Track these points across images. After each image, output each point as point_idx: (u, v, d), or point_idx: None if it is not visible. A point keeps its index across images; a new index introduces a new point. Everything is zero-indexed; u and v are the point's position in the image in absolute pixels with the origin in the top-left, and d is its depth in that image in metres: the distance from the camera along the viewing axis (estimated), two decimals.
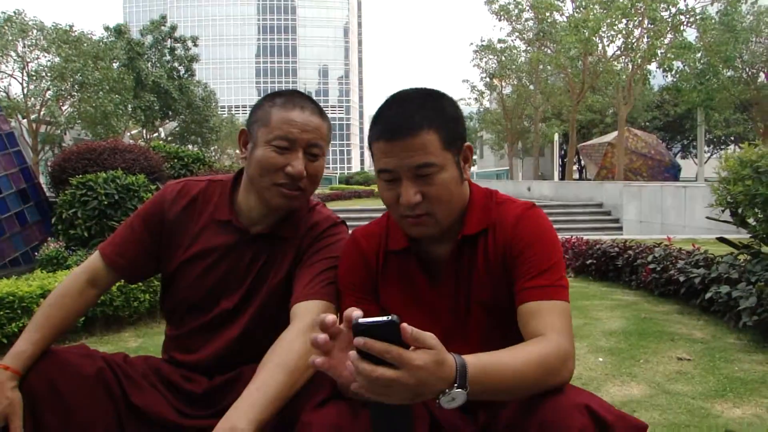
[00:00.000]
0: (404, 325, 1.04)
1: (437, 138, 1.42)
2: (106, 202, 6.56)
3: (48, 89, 26.73)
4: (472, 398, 1.11)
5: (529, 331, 1.36)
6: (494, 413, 1.45)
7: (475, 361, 1.14)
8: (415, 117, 1.41)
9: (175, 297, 1.82)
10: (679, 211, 15.05)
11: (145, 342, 4.50)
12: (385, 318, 1.04)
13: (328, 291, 1.63)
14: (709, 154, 41.08)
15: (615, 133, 29.42)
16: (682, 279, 5.39)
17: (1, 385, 1.51)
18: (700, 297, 5.13)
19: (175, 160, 9.78)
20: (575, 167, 39.93)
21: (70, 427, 1.53)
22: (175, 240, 1.81)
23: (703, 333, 4.59)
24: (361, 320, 1.05)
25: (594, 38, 25.79)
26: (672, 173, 28.60)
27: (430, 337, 1.07)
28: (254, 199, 1.74)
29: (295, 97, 1.72)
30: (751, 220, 5.05)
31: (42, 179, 10.45)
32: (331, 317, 1.15)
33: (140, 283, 4.89)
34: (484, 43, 38.40)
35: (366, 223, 1.73)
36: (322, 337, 1.13)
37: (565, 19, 28.34)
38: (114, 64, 30.52)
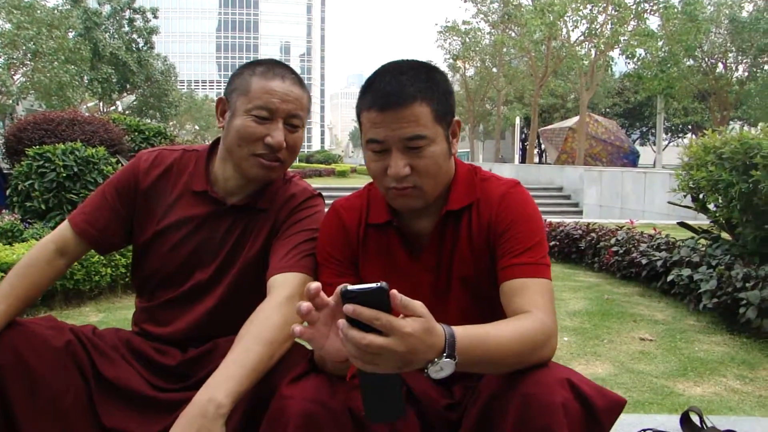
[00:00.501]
0: (394, 291, 1.03)
1: (429, 110, 1.40)
2: (64, 175, 6.34)
3: None
4: (458, 369, 1.11)
5: (513, 308, 1.36)
6: (470, 387, 1.47)
7: (462, 332, 1.13)
8: (409, 88, 1.38)
9: (147, 268, 1.77)
10: (638, 197, 15.36)
11: (106, 317, 4.40)
12: (374, 285, 1.02)
13: (305, 263, 1.60)
14: (666, 142, 41.97)
15: (576, 118, 29.81)
16: (644, 262, 5.51)
17: None
18: (662, 279, 5.25)
19: (136, 134, 9.52)
20: (536, 151, 40.38)
21: (38, 399, 1.48)
22: (149, 210, 1.76)
23: (664, 315, 4.70)
24: (350, 287, 1.03)
25: (559, 23, 25.99)
26: (631, 159, 29.16)
27: (419, 305, 1.06)
28: (231, 170, 1.71)
29: (275, 67, 1.68)
30: (711, 206, 5.16)
31: None
32: (315, 284, 1.12)
33: (102, 257, 4.77)
34: (448, 24, 38.36)
35: (330, 202, 1.72)
36: (306, 305, 1.11)
37: (531, 3, 28.47)
38: (70, 34, 29.57)
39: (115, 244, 1.80)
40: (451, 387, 1.52)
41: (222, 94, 1.74)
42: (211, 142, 1.81)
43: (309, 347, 1.61)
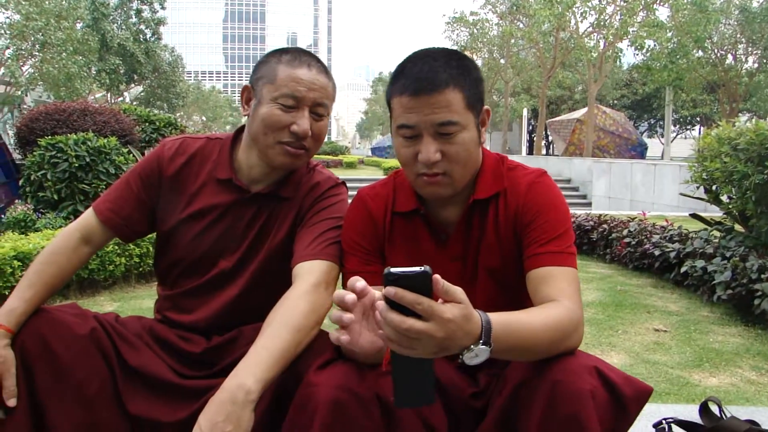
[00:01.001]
0: (437, 276, 1.03)
1: (461, 97, 1.40)
2: (76, 165, 6.38)
3: (7, 48, 25.82)
4: (492, 356, 1.12)
5: (540, 297, 1.36)
6: (495, 375, 1.47)
7: (497, 318, 1.14)
8: (441, 74, 1.39)
9: (171, 257, 1.77)
10: (648, 188, 15.29)
11: (121, 306, 4.43)
12: (418, 268, 1.02)
13: (330, 251, 1.61)
14: (675, 134, 41.77)
15: (584, 110, 29.68)
16: (657, 253, 5.49)
17: None
18: (675, 271, 5.23)
19: (146, 124, 9.54)
20: (543, 143, 40.25)
21: (64, 386, 1.49)
22: (173, 198, 1.76)
23: (677, 306, 4.69)
24: (393, 269, 1.03)
25: (567, 13, 25.83)
26: (638, 151, 29.05)
27: (459, 291, 1.07)
28: (255, 158, 1.71)
29: (302, 55, 1.69)
30: (724, 197, 5.14)
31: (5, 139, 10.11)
32: (361, 283, 1.13)
33: (116, 247, 4.79)
34: (456, 15, 38.18)
35: None
36: (348, 316, 1.12)
37: None
38: (78, 25, 29.55)
39: (140, 231, 1.81)
40: (476, 375, 1.52)
41: (248, 82, 1.74)
42: (235, 130, 1.82)
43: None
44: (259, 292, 1.70)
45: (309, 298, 1.49)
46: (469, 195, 1.52)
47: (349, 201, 1.70)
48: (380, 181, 1.66)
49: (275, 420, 1.40)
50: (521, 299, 1.45)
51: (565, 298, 1.32)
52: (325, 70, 1.70)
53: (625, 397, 1.23)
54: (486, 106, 1.50)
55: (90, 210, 1.77)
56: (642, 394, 1.26)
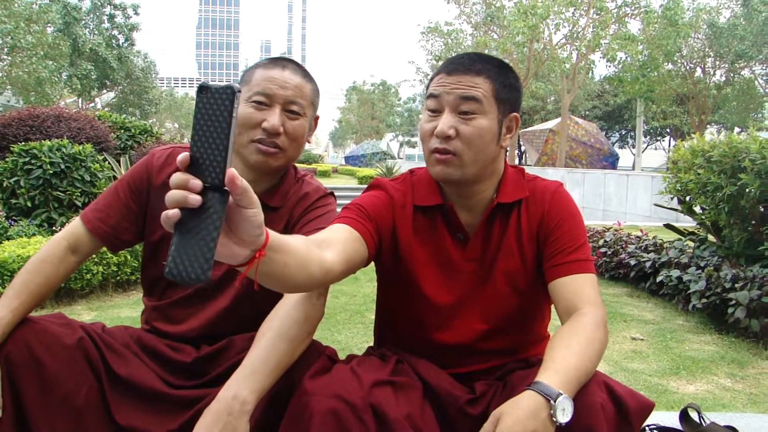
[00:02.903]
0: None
1: (491, 87, 1.47)
2: (51, 172, 6.28)
3: None
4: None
5: (567, 304, 1.43)
6: (493, 384, 1.50)
7: (559, 379, 1.21)
8: (478, 65, 1.48)
9: (160, 267, 1.75)
10: (621, 199, 15.51)
11: (99, 315, 4.37)
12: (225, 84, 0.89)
13: None
14: (645, 145, 42.41)
15: (556, 120, 30.00)
16: (632, 263, 5.57)
17: None
18: (650, 280, 5.32)
19: (122, 131, 9.43)
20: (516, 152, 40.59)
21: (50, 397, 1.47)
22: (162, 207, 1.74)
23: (653, 315, 4.77)
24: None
25: (541, 25, 26.14)
26: (610, 162, 29.44)
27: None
28: (240, 164, 1.71)
29: (281, 59, 1.72)
30: (697, 208, 5.25)
31: None
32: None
33: (93, 256, 4.73)
34: (431, 25, 38.41)
35: None
36: (194, 197, 0.90)
37: (513, 4, 28.60)
38: (49, 29, 29.17)
39: (127, 241, 1.79)
40: (473, 383, 1.54)
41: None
42: None
43: (324, 344, 1.63)
44: (249, 302, 1.69)
45: (301, 307, 1.49)
46: (492, 199, 1.56)
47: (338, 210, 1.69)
48: (395, 177, 1.68)
49: (269, 427, 1.40)
50: (528, 300, 1.53)
51: (591, 305, 1.40)
52: (302, 72, 1.72)
53: (629, 411, 1.26)
54: (517, 114, 1.53)
55: (77, 219, 1.76)
56: (645, 408, 1.30)
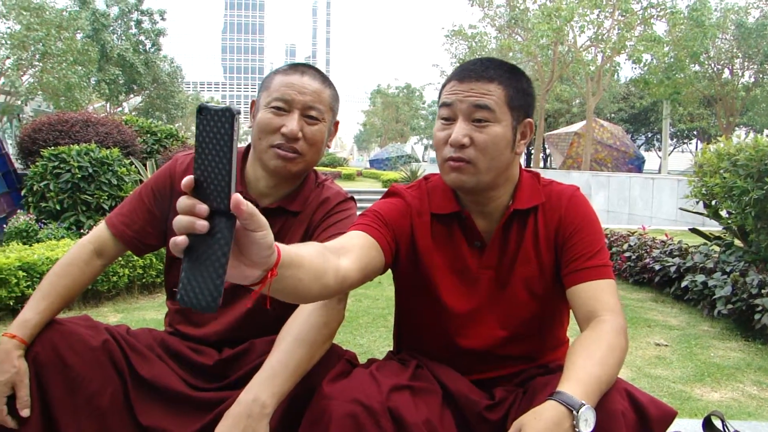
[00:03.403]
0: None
1: (504, 94, 1.46)
2: (79, 176, 6.40)
3: (8, 57, 25.87)
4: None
5: (586, 310, 1.42)
6: (512, 390, 1.50)
7: (582, 390, 1.21)
8: (491, 71, 1.47)
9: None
10: (646, 202, 15.34)
11: (125, 317, 4.43)
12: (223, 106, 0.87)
13: None
14: (672, 148, 41.89)
15: (581, 123, 29.77)
16: (657, 267, 5.52)
17: (8, 354, 1.49)
18: (675, 285, 5.26)
19: (148, 135, 9.56)
20: (541, 156, 40.36)
21: (77, 397, 1.50)
22: None
23: (678, 320, 4.72)
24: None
25: (565, 27, 25.97)
26: (636, 165, 29.12)
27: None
28: (260, 169, 1.74)
29: (300, 65, 1.74)
30: (724, 213, 5.18)
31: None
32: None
33: (119, 258, 4.80)
34: (455, 29, 38.37)
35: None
36: (202, 223, 0.88)
37: (537, 7, 28.45)
38: (78, 35, 29.63)
39: (152, 245, 1.83)
40: (492, 390, 1.54)
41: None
42: (246, 144, 1.84)
43: (346, 347, 1.65)
44: (270, 307, 1.72)
45: (321, 312, 1.51)
46: (508, 206, 1.55)
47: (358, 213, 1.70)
48: (410, 184, 1.67)
49: (289, 431, 1.42)
50: (547, 306, 1.53)
51: (609, 312, 1.39)
52: (321, 78, 1.74)
53: (651, 419, 1.26)
54: (530, 120, 1.53)
55: (102, 223, 1.80)
56: (667, 416, 1.29)
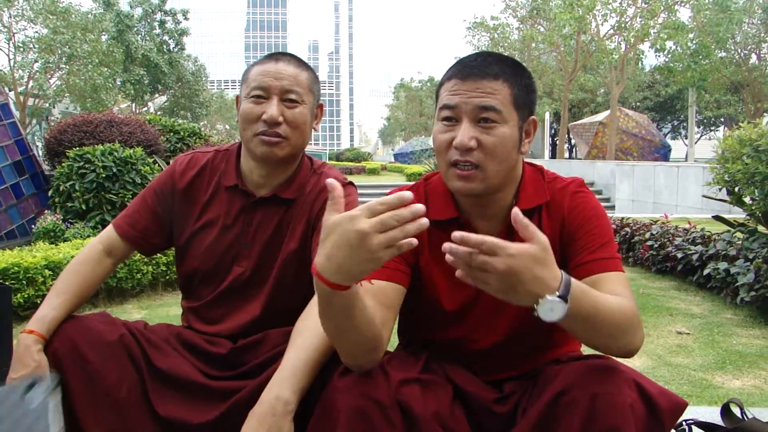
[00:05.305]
0: (515, 210, 1.11)
1: (509, 92, 1.40)
2: (104, 175, 6.52)
3: (36, 61, 26.30)
4: (566, 319, 1.12)
5: None
6: (521, 383, 1.48)
7: (576, 281, 1.15)
8: (494, 67, 1.41)
9: (189, 267, 1.83)
10: (671, 191, 15.14)
11: (148, 314, 4.52)
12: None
13: None
14: (699, 135, 41.24)
15: (606, 113, 29.42)
16: (679, 256, 5.47)
17: (28, 348, 1.54)
18: (697, 273, 5.21)
19: (171, 134, 9.68)
20: (566, 146, 39.98)
21: (95, 390, 1.54)
22: (186, 210, 1.84)
23: (700, 308, 4.67)
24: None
25: (588, 16, 25.67)
26: (662, 153, 28.73)
27: (540, 235, 1.10)
28: (251, 160, 1.78)
29: (275, 54, 1.79)
30: (747, 199, 5.11)
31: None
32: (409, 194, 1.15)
33: (143, 256, 4.88)
34: (477, 20, 38.13)
35: (362, 200, 1.68)
36: (419, 206, 1.15)
37: None
38: (103, 37, 30.01)
39: (158, 245, 1.89)
40: (501, 384, 1.52)
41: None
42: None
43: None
44: (283, 301, 1.75)
45: None
46: (511, 205, 1.47)
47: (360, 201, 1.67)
48: (410, 185, 1.60)
49: (300, 424, 1.43)
50: None
51: (624, 298, 1.31)
52: (297, 61, 1.78)
53: (661, 411, 1.24)
54: (534, 117, 1.48)
55: (110, 225, 1.87)
56: (677, 408, 1.28)
